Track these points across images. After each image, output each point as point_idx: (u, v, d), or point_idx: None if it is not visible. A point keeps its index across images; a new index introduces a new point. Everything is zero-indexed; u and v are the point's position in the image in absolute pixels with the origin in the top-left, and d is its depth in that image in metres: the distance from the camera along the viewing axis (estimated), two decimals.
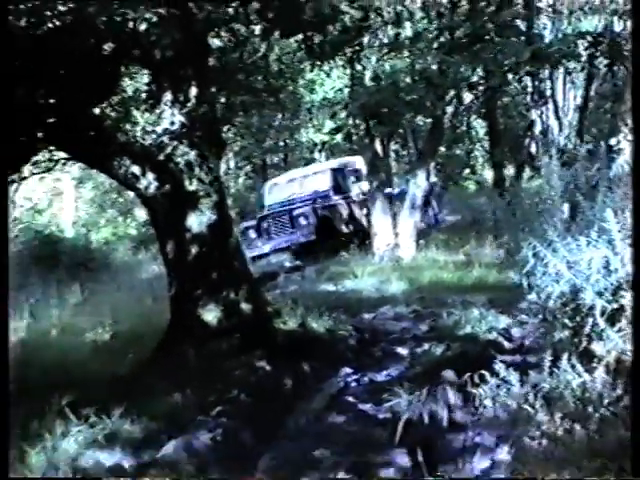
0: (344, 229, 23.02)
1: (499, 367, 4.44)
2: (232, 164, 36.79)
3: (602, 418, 4.09)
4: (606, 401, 4.19)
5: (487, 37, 18.36)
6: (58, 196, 25.74)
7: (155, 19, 8.94)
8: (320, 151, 35.19)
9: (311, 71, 22.74)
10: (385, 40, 20.83)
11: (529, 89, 26.02)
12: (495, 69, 19.13)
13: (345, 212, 23.66)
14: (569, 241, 4.86)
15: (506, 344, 9.08)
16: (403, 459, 6.59)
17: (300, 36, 12.48)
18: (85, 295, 14.05)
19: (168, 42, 9.27)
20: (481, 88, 22.47)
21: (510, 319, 10.03)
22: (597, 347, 4.50)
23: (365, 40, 20.47)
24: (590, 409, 4.10)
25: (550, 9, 23.92)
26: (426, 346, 10.29)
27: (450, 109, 22.49)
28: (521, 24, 20.38)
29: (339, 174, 24.19)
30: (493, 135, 25.97)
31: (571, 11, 24.23)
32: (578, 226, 4.99)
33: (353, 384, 9.31)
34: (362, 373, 9.66)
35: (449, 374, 8.19)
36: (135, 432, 7.64)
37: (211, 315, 10.07)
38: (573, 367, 4.35)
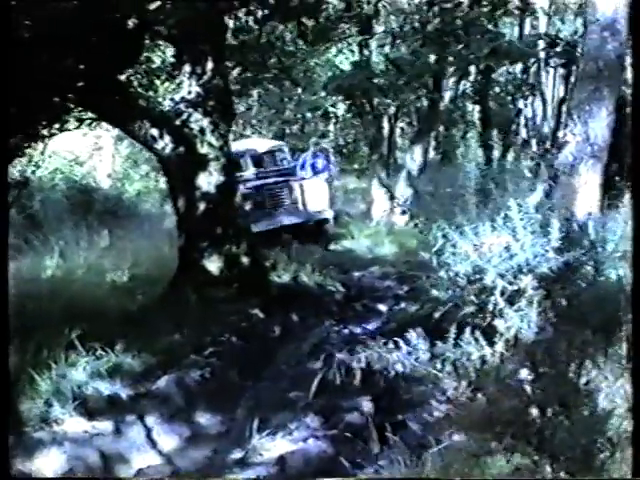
0: None
1: (410, 336, 4.34)
2: (249, 132, 36.41)
3: (499, 389, 4.00)
4: (503, 373, 4.11)
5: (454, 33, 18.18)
6: (98, 151, 25.48)
7: None
8: (335, 124, 35.01)
9: (323, 54, 22.45)
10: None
11: (517, 81, 25.63)
12: (458, 61, 18.88)
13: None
14: (476, 225, 4.76)
15: None
16: (367, 405, 6.51)
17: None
18: (112, 240, 13.88)
19: (187, 19, 9.13)
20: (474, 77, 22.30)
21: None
22: (498, 324, 4.43)
23: (379, 29, 20.34)
24: (489, 380, 4.03)
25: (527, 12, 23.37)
26: (403, 304, 10.22)
27: (448, 94, 22.32)
28: (488, 24, 19.89)
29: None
30: (485, 119, 25.67)
31: (548, 14, 23.73)
32: (486, 212, 4.87)
33: (334, 335, 9.23)
34: (343, 325, 9.58)
35: (418, 331, 8.10)
36: (134, 366, 7.60)
37: (214, 265, 10.11)
38: (476, 340, 4.26)
